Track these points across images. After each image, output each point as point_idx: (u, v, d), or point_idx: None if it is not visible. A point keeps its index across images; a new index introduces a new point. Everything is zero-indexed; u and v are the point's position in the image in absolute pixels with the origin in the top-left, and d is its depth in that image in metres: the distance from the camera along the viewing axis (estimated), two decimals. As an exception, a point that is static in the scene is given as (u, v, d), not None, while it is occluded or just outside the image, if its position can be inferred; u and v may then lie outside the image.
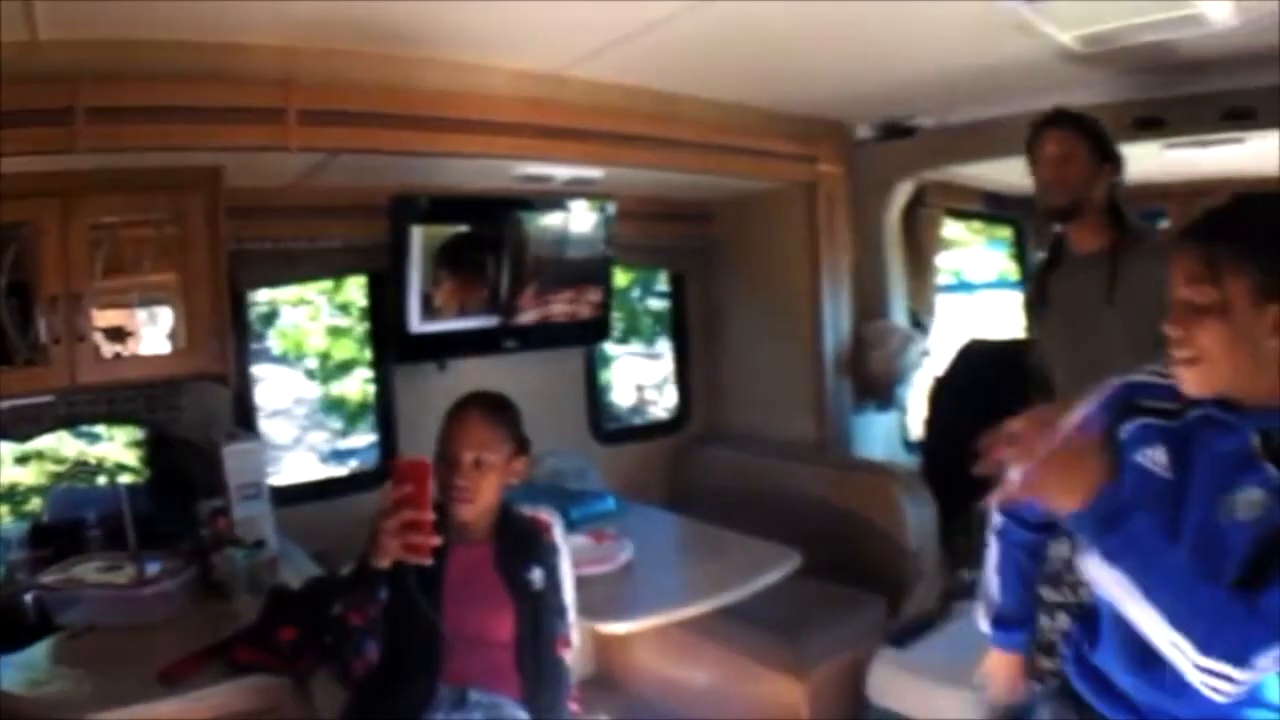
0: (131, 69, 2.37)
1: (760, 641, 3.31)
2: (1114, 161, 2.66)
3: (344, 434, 3.86)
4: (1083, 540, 1.39)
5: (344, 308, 3.80)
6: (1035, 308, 2.88)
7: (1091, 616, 1.66)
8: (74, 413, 3.00)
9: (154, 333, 2.78)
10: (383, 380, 3.77)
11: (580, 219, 3.80)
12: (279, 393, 3.72)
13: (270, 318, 4.91)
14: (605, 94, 3.10)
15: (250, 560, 2.72)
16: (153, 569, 2.67)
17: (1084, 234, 2.67)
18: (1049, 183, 2.65)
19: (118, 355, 2.75)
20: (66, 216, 2.60)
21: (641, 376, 5.15)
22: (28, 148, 2.29)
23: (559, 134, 3.05)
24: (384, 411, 3.77)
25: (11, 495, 3.21)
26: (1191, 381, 1.41)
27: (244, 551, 2.73)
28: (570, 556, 2.37)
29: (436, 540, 1.90)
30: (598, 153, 3.19)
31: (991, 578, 1.94)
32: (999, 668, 1.97)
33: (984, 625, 1.98)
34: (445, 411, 2.24)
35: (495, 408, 2.25)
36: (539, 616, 2.20)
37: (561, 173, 3.35)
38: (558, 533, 2.34)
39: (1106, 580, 1.36)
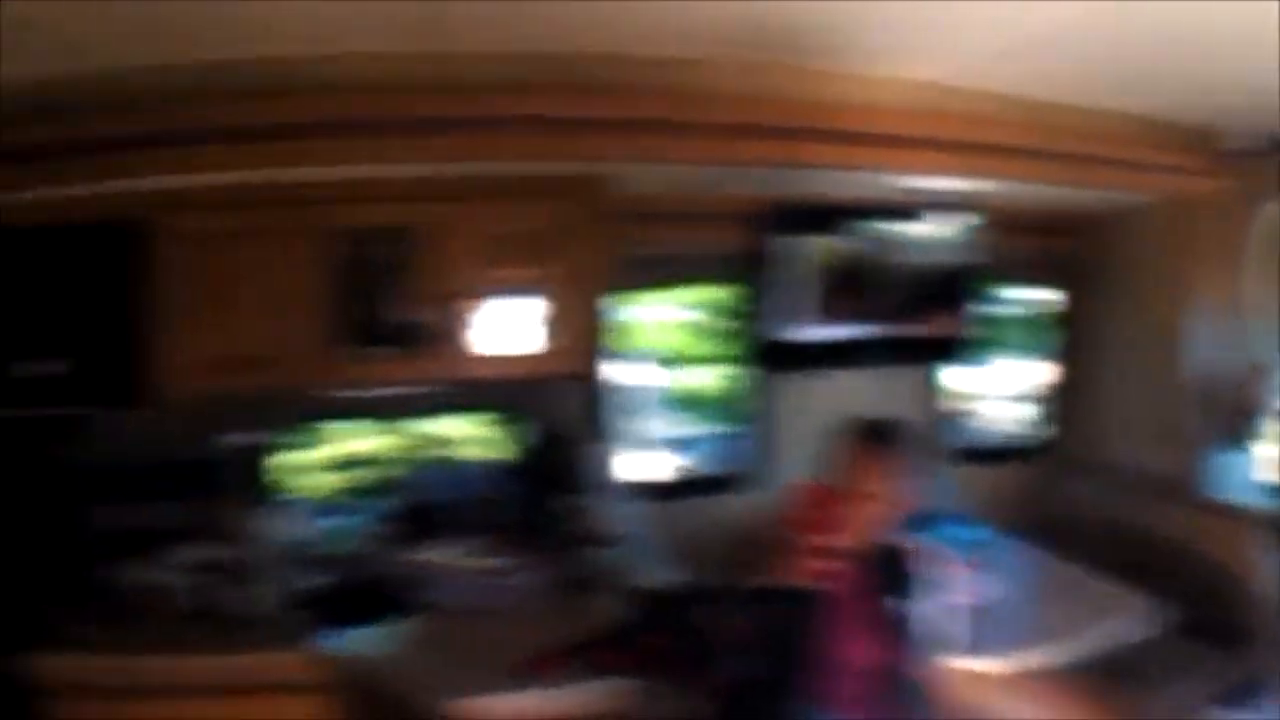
0: (540, 79, 2.43)
1: (1099, 688, 3.07)
2: None
3: (688, 427, 3.95)
4: None
5: (698, 305, 3.89)
6: None
7: None
8: (444, 402, 3.17)
9: (528, 331, 2.88)
10: (744, 385, 3.80)
11: (946, 230, 3.69)
12: (630, 386, 3.83)
13: (622, 311, 5.00)
14: (985, 104, 2.95)
15: (610, 559, 2.78)
16: (514, 560, 2.77)
17: None
18: None
19: (492, 351, 2.86)
20: (454, 219, 2.78)
21: (985, 391, 4.85)
22: (438, 155, 2.44)
23: (939, 146, 2.91)
24: (744, 417, 3.82)
25: (368, 463, 3.40)
26: None
27: (604, 549, 2.79)
28: (938, 586, 2.29)
29: (843, 567, 1.86)
30: (973, 164, 3.03)
31: None
32: None
33: None
34: (836, 434, 2.19)
35: (893, 439, 2.18)
36: (904, 644, 2.15)
37: (937, 185, 3.26)
38: (926, 561, 2.28)
39: None
